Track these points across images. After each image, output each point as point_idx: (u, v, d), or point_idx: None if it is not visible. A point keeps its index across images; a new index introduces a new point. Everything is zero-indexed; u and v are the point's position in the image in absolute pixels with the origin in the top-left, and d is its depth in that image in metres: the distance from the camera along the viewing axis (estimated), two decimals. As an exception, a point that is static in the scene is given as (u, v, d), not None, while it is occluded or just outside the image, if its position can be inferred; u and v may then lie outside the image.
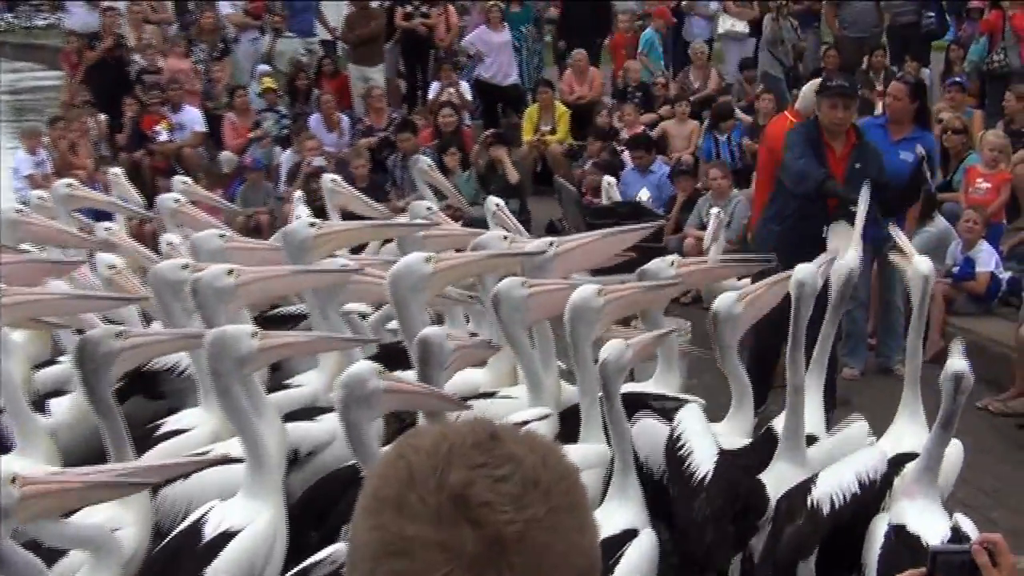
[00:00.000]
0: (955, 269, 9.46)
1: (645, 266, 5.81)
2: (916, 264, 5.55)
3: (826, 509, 4.69)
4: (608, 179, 10.42)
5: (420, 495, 1.49)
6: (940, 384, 4.63)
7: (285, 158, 13.66)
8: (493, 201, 7.75)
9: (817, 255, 6.22)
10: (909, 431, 5.28)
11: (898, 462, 4.97)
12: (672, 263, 5.81)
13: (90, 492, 4.02)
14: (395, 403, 4.48)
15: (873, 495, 4.82)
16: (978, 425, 7.91)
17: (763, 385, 7.62)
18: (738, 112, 13.64)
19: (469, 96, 15.60)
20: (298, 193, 9.20)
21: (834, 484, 4.76)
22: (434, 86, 15.51)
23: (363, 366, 4.35)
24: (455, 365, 4.90)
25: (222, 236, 6.35)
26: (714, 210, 8.89)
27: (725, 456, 4.92)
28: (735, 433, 5.33)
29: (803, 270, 5.25)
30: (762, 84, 14.50)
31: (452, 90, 15.21)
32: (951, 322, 9.29)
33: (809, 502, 4.70)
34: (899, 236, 5.94)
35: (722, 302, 5.37)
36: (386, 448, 4.13)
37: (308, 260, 5.93)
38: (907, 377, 5.52)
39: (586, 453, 4.84)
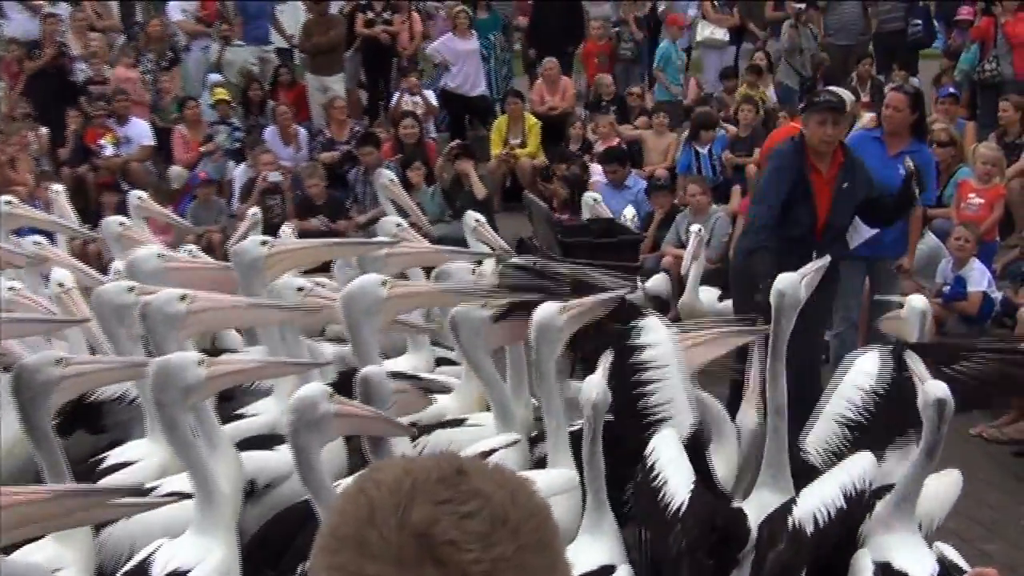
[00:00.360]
0: (946, 289, 9.50)
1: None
2: (911, 302, 5.60)
3: (810, 528, 4.57)
4: (592, 195, 10.44)
5: (381, 533, 1.48)
6: (920, 411, 4.58)
7: (238, 173, 13.62)
8: (473, 216, 7.76)
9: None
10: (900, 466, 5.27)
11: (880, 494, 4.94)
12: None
13: (63, 502, 3.95)
14: (346, 427, 4.49)
15: (863, 508, 4.74)
16: (972, 453, 7.93)
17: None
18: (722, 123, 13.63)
19: (434, 101, 15.62)
20: (253, 210, 9.16)
21: (816, 501, 4.68)
22: (397, 96, 15.52)
23: (313, 388, 4.34)
24: (395, 409, 4.87)
25: (160, 256, 6.31)
26: (694, 227, 8.89)
27: (701, 484, 4.87)
28: (720, 468, 5.30)
29: (784, 279, 5.23)
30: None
31: (417, 99, 15.22)
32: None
33: (790, 523, 4.60)
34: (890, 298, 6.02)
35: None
36: (346, 482, 4.11)
37: (260, 280, 5.91)
38: None
39: (553, 480, 4.84)
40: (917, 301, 5.61)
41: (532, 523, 1.52)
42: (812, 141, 7.37)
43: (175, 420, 4.49)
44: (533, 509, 1.54)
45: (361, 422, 4.53)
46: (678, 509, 4.69)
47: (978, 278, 9.41)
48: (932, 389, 4.55)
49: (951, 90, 13.04)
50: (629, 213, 11.58)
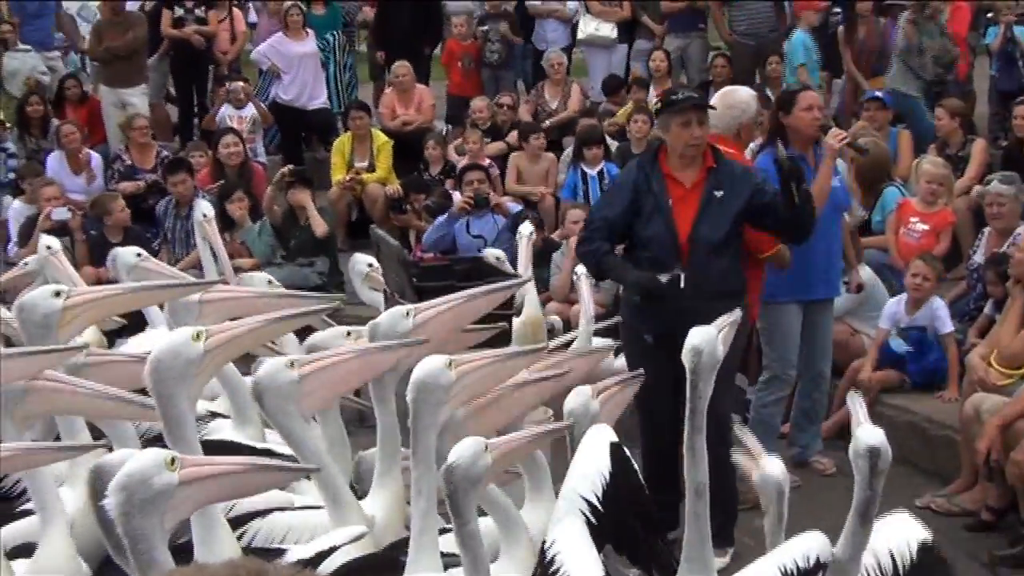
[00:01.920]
0: (900, 349, 9.54)
1: None
2: (765, 470, 5.18)
3: None
4: (495, 253, 10.44)
5: None
6: (852, 461, 4.67)
7: (15, 210, 13.41)
8: (364, 260, 8.25)
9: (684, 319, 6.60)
10: None
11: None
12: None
13: None
14: (200, 497, 4.30)
15: None
16: (919, 528, 8.09)
17: (668, 499, 7.64)
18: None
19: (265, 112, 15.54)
20: (31, 258, 9.01)
21: None
22: (223, 110, 15.36)
23: (148, 457, 4.17)
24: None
25: None
26: (580, 268, 8.95)
27: None
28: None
29: (700, 334, 5.17)
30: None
31: (244, 113, 15.10)
32: (883, 400, 9.46)
33: None
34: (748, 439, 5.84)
35: (576, 399, 5.42)
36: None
37: (52, 340, 5.84)
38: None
39: None
40: (772, 469, 5.15)
41: None
42: (676, 147, 7.51)
43: None
44: None
45: (220, 483, 4.32)
46: None
47: (944, 318, 9.53)
48: (864, 436, 4.66)
49: (877, 93, 13.22)
50: (494, 253, 11.55)
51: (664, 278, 7.29)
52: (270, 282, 7.44)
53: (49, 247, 8.55)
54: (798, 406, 9.10)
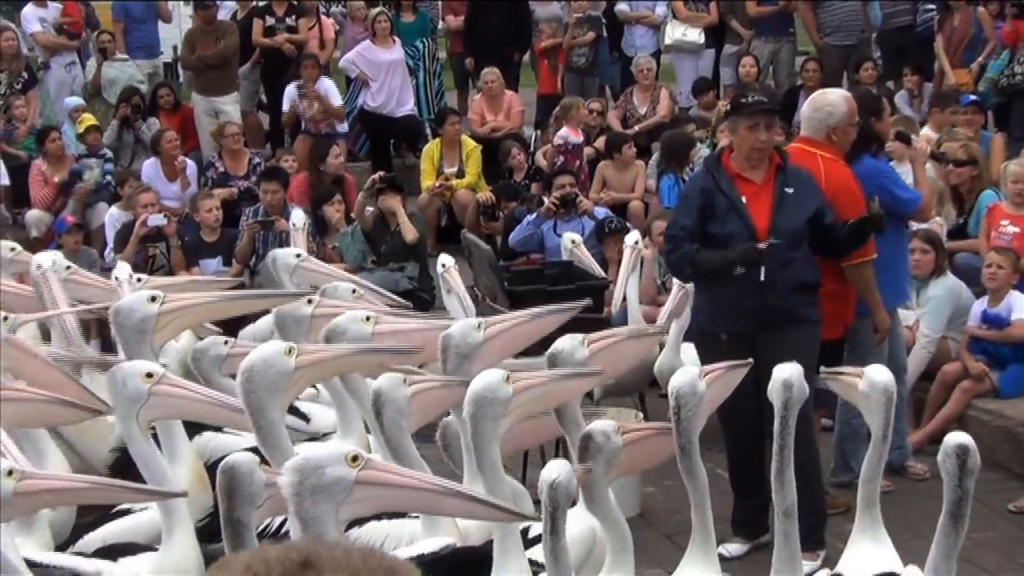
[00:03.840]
0: (978, 325, 9.50)
1: (554, 347, 5.89)
2: (870, 375, 5.49)
3: None
4: (571, 236, 10.44)
5: None
6: (939, 464, 4.79)
7: (111, 216, 13.54)
8: (440, 260, 7.95)
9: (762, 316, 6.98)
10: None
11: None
12: (583, 341, 5.90)
13: None
14: (374, 501, 4.34)
15: None
16: (1012, 533, 8.02)
17: (756, 504, 7.66)
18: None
19: (335, 101, 15.64)
20: (121, 265, 9.16)
21: None
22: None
23: (329, 449, 4.31)
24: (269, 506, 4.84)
25: None
26: (677, 280, 8.96)
27: None
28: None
29: (789, 370, 5.38)
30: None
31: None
32: (976, 404, 9.38)
33: None
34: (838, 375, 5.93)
35: (683, 378, 5.46)
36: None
37: (147, 344, 5.95)
38: (860, 502, 5.61)
39: None
40: (878, 374, 5.52)
41: None
42: (742, 149, 7.56)
43: None
44: None
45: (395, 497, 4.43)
46: None
47: (1021, 304, 9.47)
48: (951, 437, 4.81)
49: (974, 98, 13.11)
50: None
51: (763, 245, 7.30)
52: (354, 291, 7.42)
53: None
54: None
